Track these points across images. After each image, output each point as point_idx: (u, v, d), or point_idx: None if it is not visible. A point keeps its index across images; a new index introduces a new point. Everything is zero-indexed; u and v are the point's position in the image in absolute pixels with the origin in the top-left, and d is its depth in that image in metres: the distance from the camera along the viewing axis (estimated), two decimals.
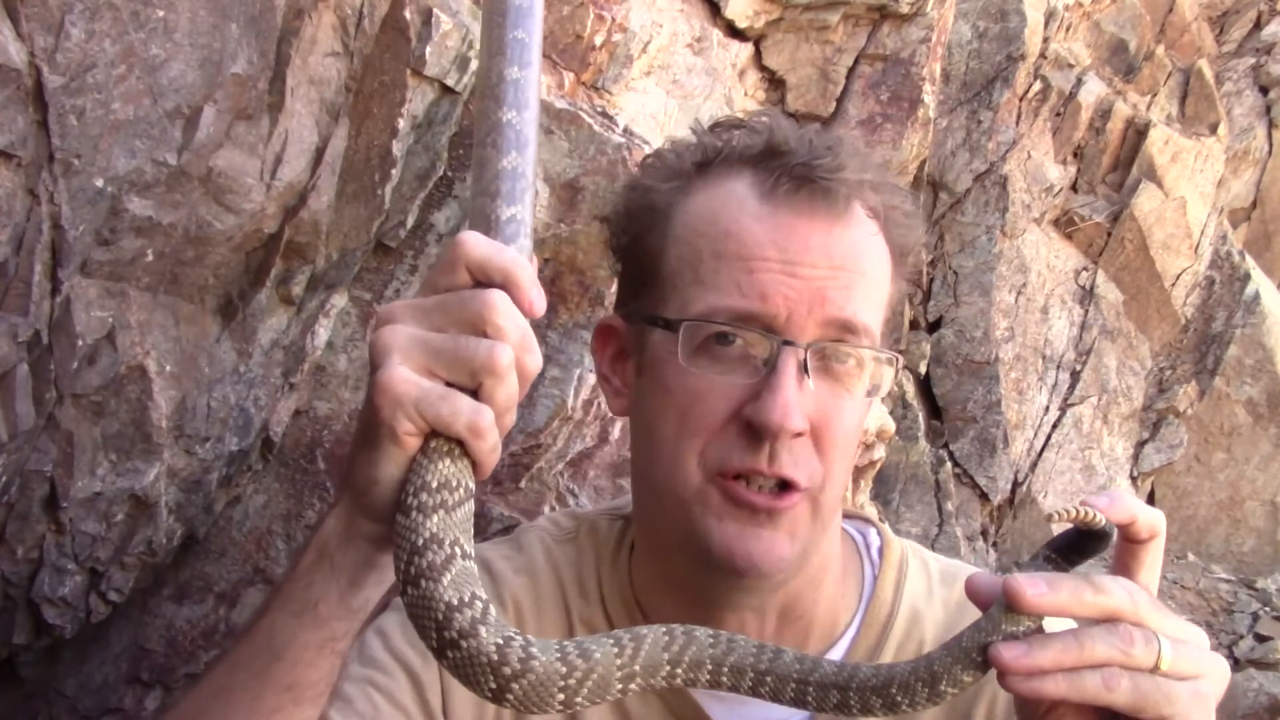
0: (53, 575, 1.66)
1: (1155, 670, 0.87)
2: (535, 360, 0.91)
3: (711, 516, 1.12)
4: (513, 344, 0.89)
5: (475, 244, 0.92)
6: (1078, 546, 0.95)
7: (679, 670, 0.89)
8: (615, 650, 0.86)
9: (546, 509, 1.83)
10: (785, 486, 1.12)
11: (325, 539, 0.96)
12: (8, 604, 1.67)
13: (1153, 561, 0.95)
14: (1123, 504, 0.92)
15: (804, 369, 1.10)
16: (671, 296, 1.17)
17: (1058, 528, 0.93)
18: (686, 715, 1.20)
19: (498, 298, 0.89)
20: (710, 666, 0.90)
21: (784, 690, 0.92)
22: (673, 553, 1.20)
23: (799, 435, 1.11)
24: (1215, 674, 0.91)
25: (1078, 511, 0.89)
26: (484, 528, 1.81)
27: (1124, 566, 0.96)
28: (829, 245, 1.13)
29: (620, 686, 0.87)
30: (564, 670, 0.84)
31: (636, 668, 0.87)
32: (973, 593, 0.92)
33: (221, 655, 1.03)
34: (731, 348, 1.13)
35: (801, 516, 1.13)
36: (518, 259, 0.92)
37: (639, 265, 1.23)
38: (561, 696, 0.84)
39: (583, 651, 0.85)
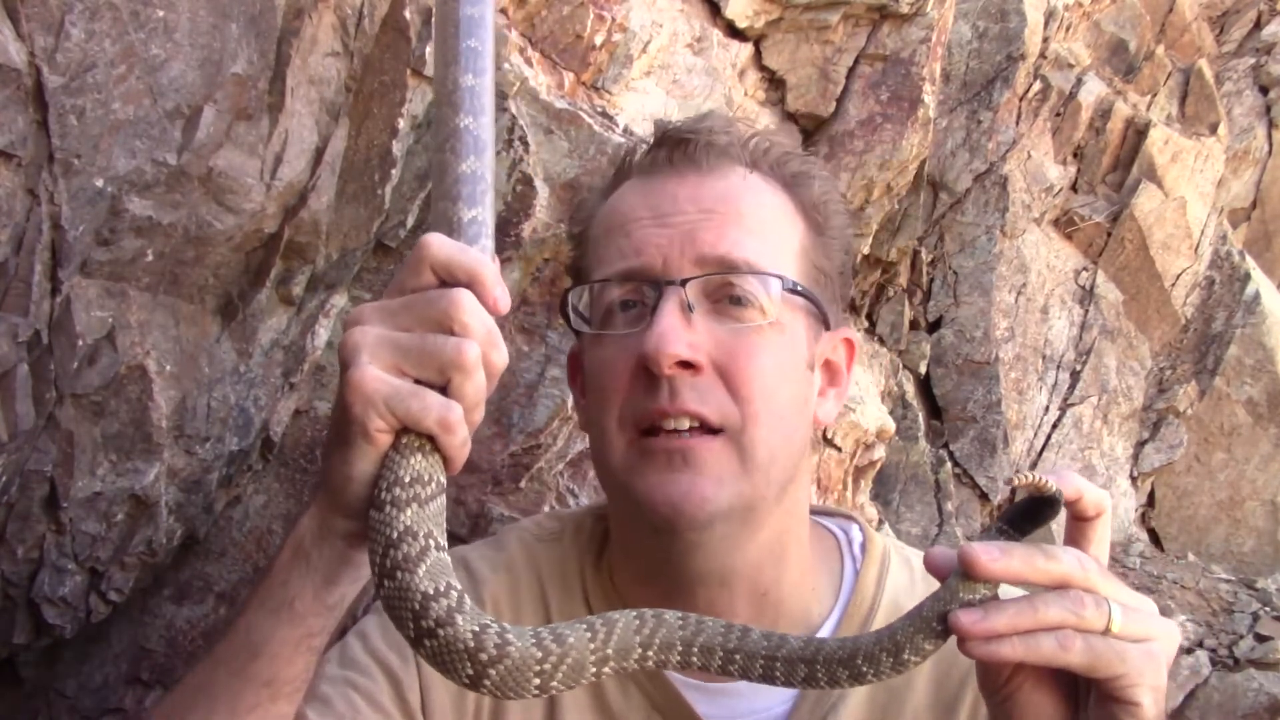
0: (53, 575, 1.66)
1: (1107, 633, 0.90)
2: (501, 356, 0.93)
3: (636, 475, 1.16)
4: (479, 340, 0.90)
5: (439, 245, 0.93)
6: (1029, 515, 0.97)
7: (650, 652, 0.91)
8: (589, 635, 0.88)
9: (546, 509, 1.83)
10: (704, 429, 1.14)
11: (301, 537, 0.97)
12: (8, 604, 1.67)
13: (1100, 537, 0.98)
14: (1071, 481, 0.95)
15: (688, 307, 1.14)
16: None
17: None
18: (669, 706, 1.20)
19: (463, 296, 0.91)
20: (680, 648, 0.92)
21: (752, 667, 0.94)
22: (626, 529, 1.24)
23: (691, 367, 1.13)
24: (1166, 637, 0.94)
25: (1032, 478, 0.92)
26: (484, 528, 1.81)
27: (1074, 543, 0.98)
28: (698, 194, 1.19)
29: (594, 670, 0.88)
30: (539, 655, 0.86)
31: (609, 651, 0.89)
32: (931, 565, 0.96)
33: (202, 654, 1.04)
34: (631, 312, 1.19)
35: (724, 461, 1.14)
36: (481, 258, 0.94)
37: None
38: (537, 681, 0.86)
39: (557, 637, 0.87)
